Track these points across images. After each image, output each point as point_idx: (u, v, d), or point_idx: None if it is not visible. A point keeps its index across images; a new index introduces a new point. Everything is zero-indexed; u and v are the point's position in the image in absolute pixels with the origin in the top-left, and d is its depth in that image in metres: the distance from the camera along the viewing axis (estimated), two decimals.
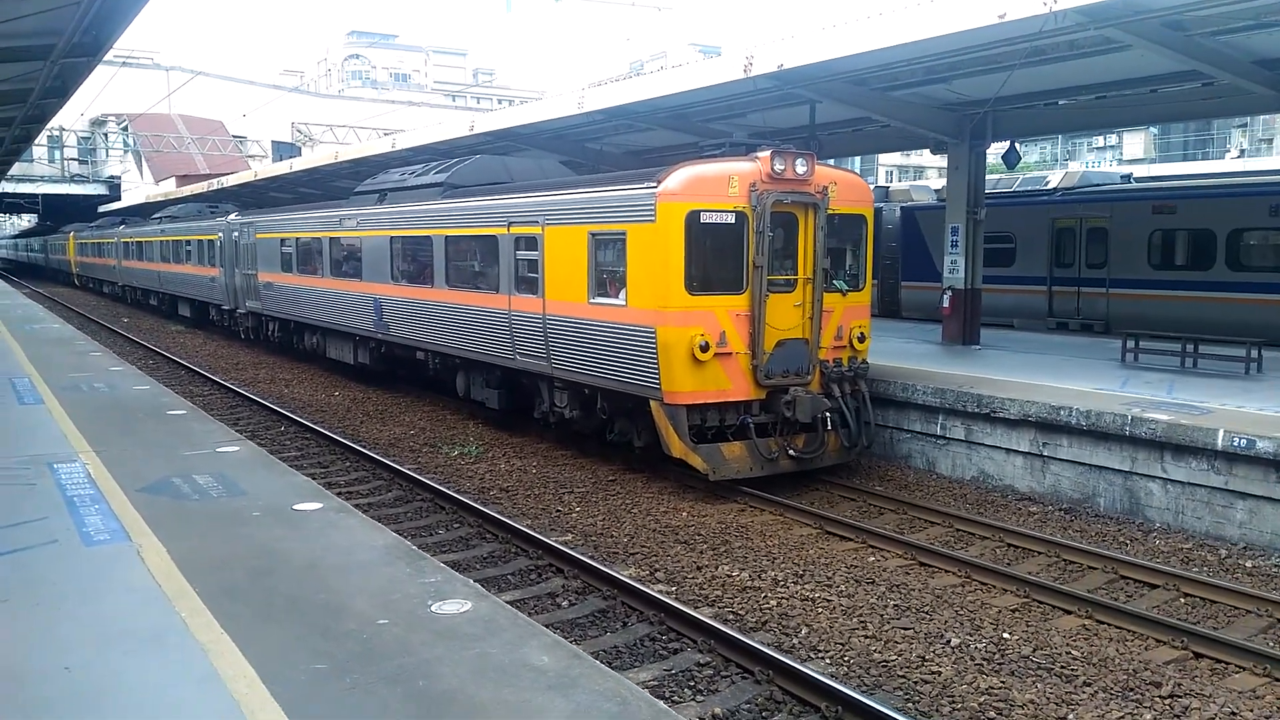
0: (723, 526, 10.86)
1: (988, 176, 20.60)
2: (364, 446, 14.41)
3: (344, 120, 49.14)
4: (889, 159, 60.78)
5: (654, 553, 9.92)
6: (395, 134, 25.72)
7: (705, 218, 11.71)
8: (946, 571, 9.48)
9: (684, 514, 11.35)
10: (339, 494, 11.73)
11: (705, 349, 11.59)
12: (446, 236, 16.44)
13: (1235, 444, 9.95)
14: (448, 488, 11.99)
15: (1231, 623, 8.25)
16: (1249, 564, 9.57)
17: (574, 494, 12.14)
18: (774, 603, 8.56)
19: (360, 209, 19.95)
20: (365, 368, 20.46)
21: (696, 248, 11.75)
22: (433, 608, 5.59)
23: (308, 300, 22.73)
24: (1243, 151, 48.50)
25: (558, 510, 11.46)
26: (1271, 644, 7.80)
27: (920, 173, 57.60)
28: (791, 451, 12.25)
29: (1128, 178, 25.62)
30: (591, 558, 9.49)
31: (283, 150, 47.03)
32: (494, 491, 12.27)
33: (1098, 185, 23.93)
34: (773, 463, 12.10)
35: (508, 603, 8.35)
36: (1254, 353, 14.24)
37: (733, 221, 11.85)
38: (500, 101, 62.36)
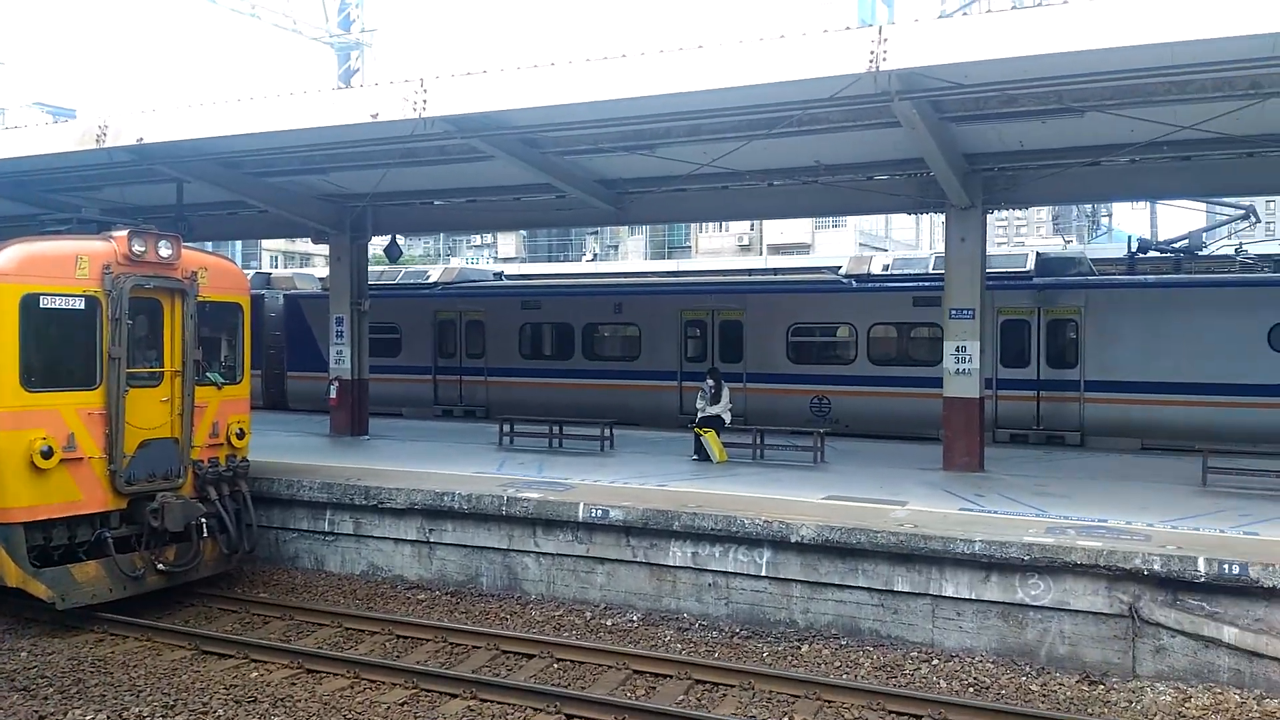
0: (75, 663, 9.17)
1: (372, 268, 21.03)
2: None
3: None
4: (273, 244, 59.33)
5: None
6: None
7: (46, 302, 10.14)
8: (335, 675, 9.03)
9: (24, 654, 9.43)
10: None
11: (48, 455, 9.88)
12: None
13: (593, 515, 11.07)
14: None
15: (597, 680, 8.99)
16: (609, 623, 10.62)
17: None
18: None
19: None
20: None
21: (36, 336, 10.11)
22: None
23: None
24: (595, 255, 56.45)
25: None
26: (628, 695, 8.64)
27: (307, 259, 57.14)
28: (161, 566, 10.86)
29: (500, 275, 28.11)
30: None
31: None
32: None
33: (475, 281, 25.85)
34: (137, 581, 10.60)
35: None
36: (606, 432, 16.20)
37: (82, 307, 10.41)
38: None
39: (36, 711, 7.99)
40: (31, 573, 9.77)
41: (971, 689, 8.69)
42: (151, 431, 10.95)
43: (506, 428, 16.87)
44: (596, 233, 60.22)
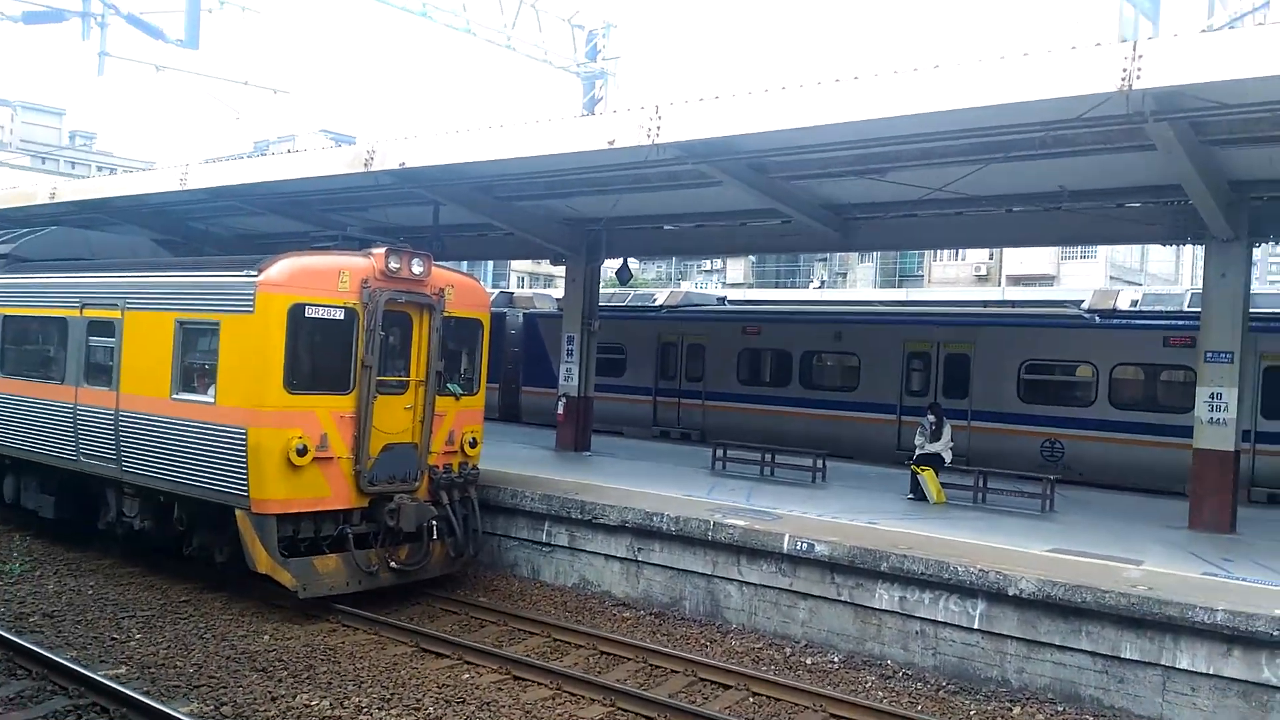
0: (309, 649, 10.02)
1: (604, 290, 21.78)
2: None
3: None
4: (521, 265, 62.62)
5: (224, 683, 8.88)
6: None
7: (311, 312, 11.09)
8: (539, 684, 9.38)
9: (266, 637, 10.36)
10: None
11: (303, 453, 10.82)
12: (5, 316, 14.27)
13: (798, 548, 10.92)
14: None
15: (793, 718, 8.86)
16: (809, 661, 10.43)
17: (136, 619, 10.67)
18: None
19: None
20: None
21: (299, 343, 11.08)
22: None
23: None
24: (822, 283, 55.71)
25: (113, 638, 9.98)
26: None
27: (550, 281, 59.90)
28: (394, 564, 11.68)
29: (723, 300, 28.32)
30: (146, 693, 8.29)
31: None
32: (35, 618, 10.49)
33: (698, 305, 26.17)
34: (372, 577, 11.45)
35: None
36: (819, 463, 15.94)
37: (341, 318, 11.32)
38: (100, 169, 56.54)
39: (270, 692, 8.73)
40: (280, 561, 10.74)
41: None
42: (394, 436, 11.79)
43: (719, 452, 16.95)
44: (825, 259, 59.31)
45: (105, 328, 12.58)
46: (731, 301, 28.27)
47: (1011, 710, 9.20)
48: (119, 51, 20.78)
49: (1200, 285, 13.94)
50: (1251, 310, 13.37)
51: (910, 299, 29.99)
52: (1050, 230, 15.58)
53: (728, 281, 60.71)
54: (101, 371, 12.59)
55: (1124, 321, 18.81)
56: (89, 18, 18.36)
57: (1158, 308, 18.97)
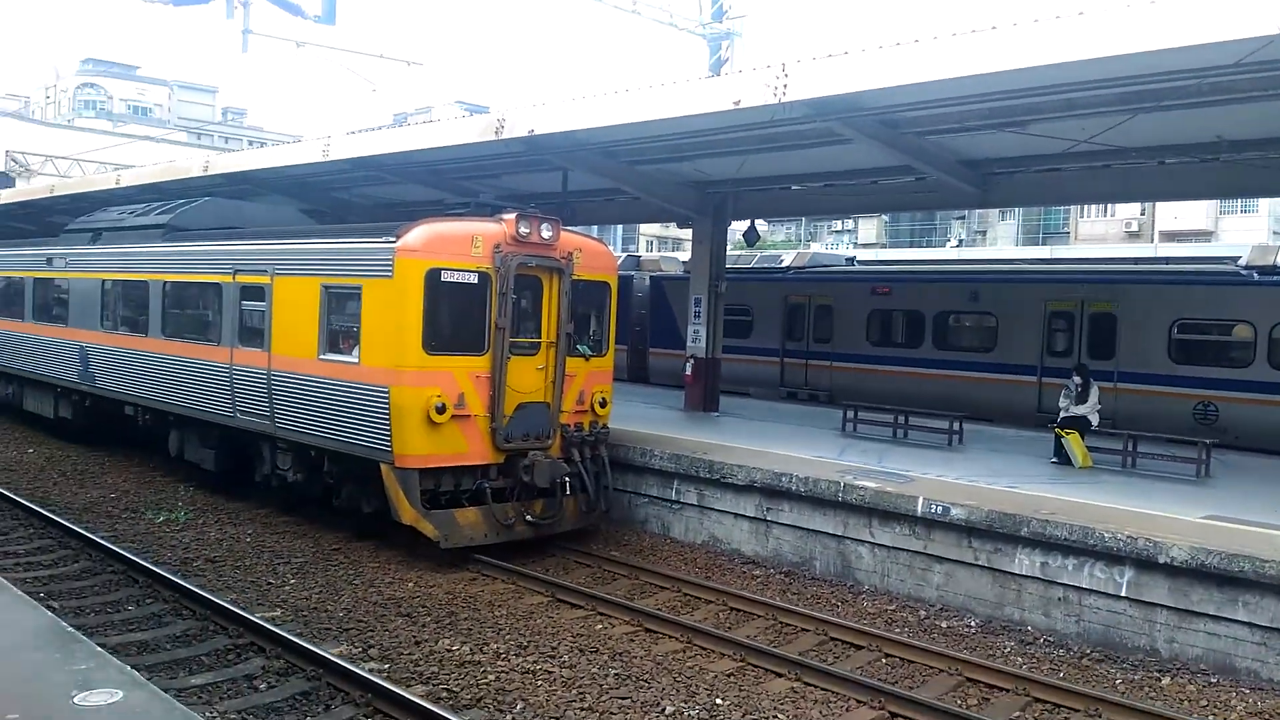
0: (450, 597, 10.43)
1: (731, 253, 21.65)
2: (53, 511, 12.87)
3: (72, 151, 45.07)
4: (650, 229, 62.87)
5: (371, 627, 9.36)
6: (122, 170, 23.77)
7: (447, 276, 11.43)
8: (670, 637, 9.52)
9: (410, 584, 10.83)
10: (15, 565, 10.45)
11: (442, 410, 11.22)
12: (165, 282, 15.23)
13: (933, 510, 10.70)
14: (143, 558, 10.85)
15: (926, 682, 8.73)
16: (944, 624, 10.24)
17: (290, 565, 11.33)
18: (493, 677, 8.24)
19: (71, 248, 18.18)
20: (67, 422, 18.45)
21: (436, 306, 11.44)
22: (76, 699, 4.88)
23: (4, 346, 20.36)
24: (960, 241, 53.89)
25: (269, 583, 10.63)
26: (958, 702, 8.31)
27: (678, 244, 59.93)
28: (529, 517, 12.03)
29: (852, 260, 27.71)
30: (299, 635, 8.81)
31: None
32: (198, 563, 11.25)
33: (826, 266, 25.70)
34: (509, 529, 11.82)
35: (197, 687, 7.63)
36: (955, 425, 15.53)
37: (475, 281, 11.64)
38: (250, 143, 59.41)
39: (414, 637, 9.15)
40: (423, 513, 11.20)
41: None
42: (527, 396, 12.10)
43: (850, 414, 16.70)
44: (963, 217, 57.34)
45: (256, 292, 13.26)
46: (861, 262, 27.70)
47: (1160, 680, 8.83)
48: (261, 29, 21.69)
49: None
50: None
51: (1049, 256, 28.74)
52: (1207, 182, 14.66)
53: (859, 242, 59.45)
54: (254, 334, 13.30)
55: None
56: None
57: None
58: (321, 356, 12.14)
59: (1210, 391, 17.37)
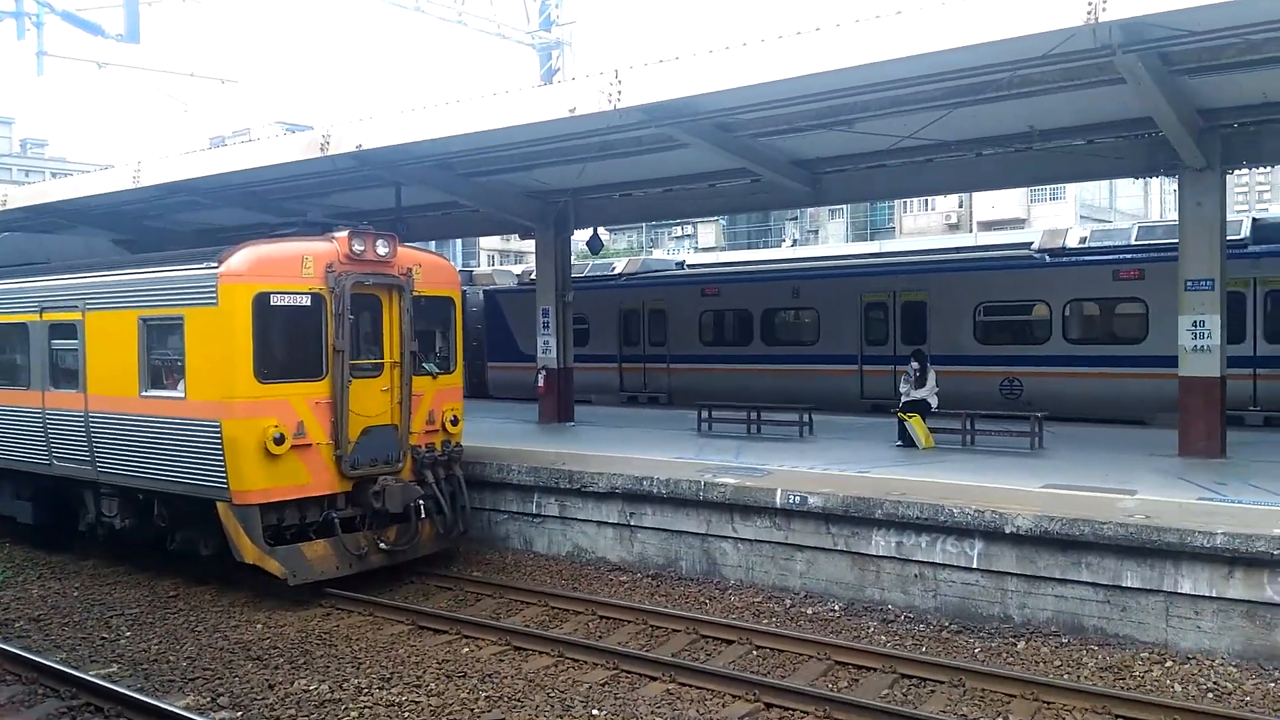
0: (303, 635, 9.87)
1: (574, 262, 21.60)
2: None
3: None
4: (490, 243, 62.18)
5: (219, 675, 8.72)
6: None
7: (276, 300, 10.87)
8: (540, 653, 9.29)
9: (259, 626, 10.20)
10: None
11: (280, 441, 10.63)
12: None
13: (791, 501, 10.85)
14: None
15: (797, 669, 8.81)
16: (809, 611, 10.39)
17: (124, 617, 10.49)
18: (355, 714, 7.81)
19: None
20: None
21: (267, 332, 10.87)
22: None
23: None
24: (794, 241, 55.60)
25: (102, 638, 9.80)
26: (829, 686, 8.40)
27: (520, 257, 59.51)
28: (383, 545, 11.54)
29: (682, 264, 28.53)
30: (139, 690, 8.12)
31: None
32: (20, 623, 10.31)
33: (657, 271, 26.28)
34: (362, 559, 11.31)
35: None
36: (805, 418, 15.88)
37: (308, 304, 11.11)
38: (54, 175, 55.64)
39: (267, 680, 8.59)
40: (267, 550, 10.57)
41: (1211, 694, 7.89)
42: (373, 419, 11.61)
43: (705, 414, 16.87)
44: (796, 218, 59.33)
45: (67, 330, 12.29)
46: (689, 265, 28.53)
47: (1016, 645, 9.18)
48: (58, 51, 20.22)
49: (1153, 218, 14.01)
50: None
51: (867, 252, 30.37)
52: (1021, 171, 15.50)
53: (699, 246, 60.57)
54: (68, 374, 12.31)
55: (1073, 259, 19.05)
56: (23, 17, 17.79)
57: (1106, 244, 19.13)
58: (144, 394, 11.33)
59: (1014, 368, 18.59)
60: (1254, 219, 18.65)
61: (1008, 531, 9.58)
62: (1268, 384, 16.59)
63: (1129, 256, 18.06)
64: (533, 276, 21.64)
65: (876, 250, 30.48)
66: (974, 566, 9.88)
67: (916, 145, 13.46)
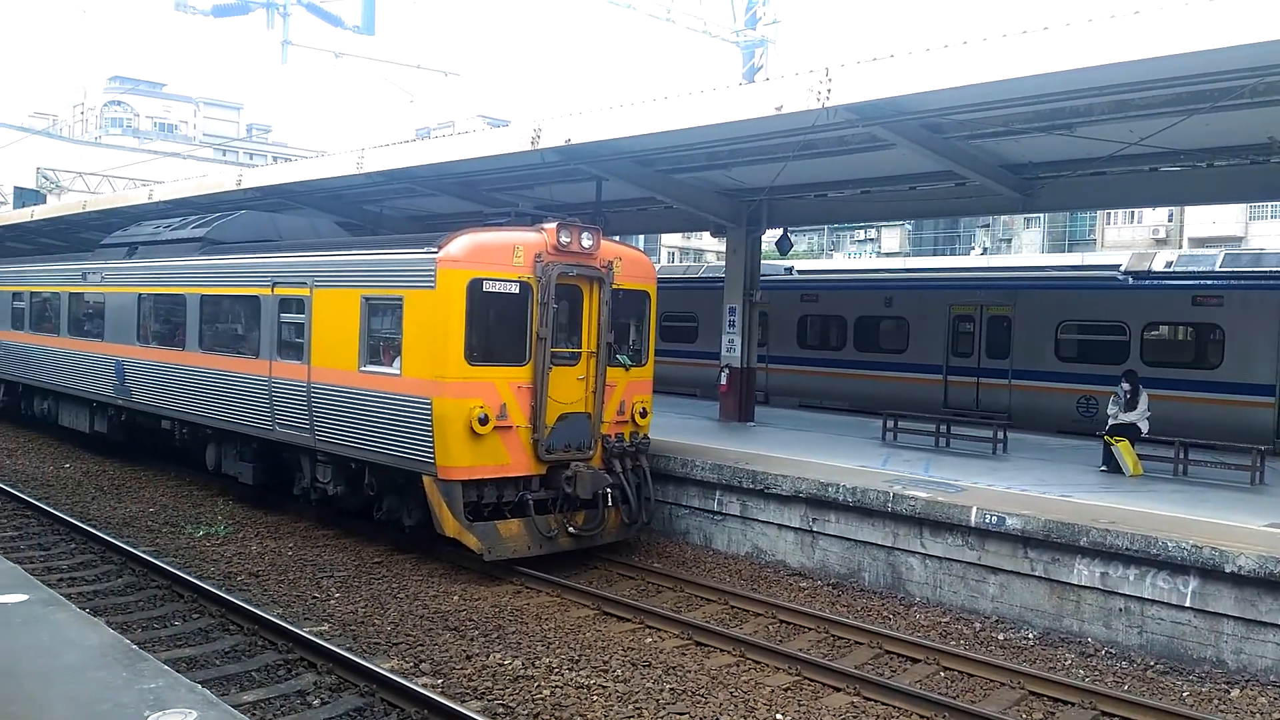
0: (497, 610, 10.30)
1: (676, 265, 22.01)
2: (93, 526, 12.85)
3: (100, 168, 45.50)
4: (671, 240, 62.81)
5: (420, 642, 9.23)
6: (154, 185, 23.89)
7: (488, 286, 11.32)
8: (722, 651, 9.35)
9: (455, 598, 10.71)
10: (59, 581, 10.38)
11: (484, 422, 11.10)
12: (203, 295, 15.22)
13: (987, 520, 10.48)
14: (186, 573, 10.78)
15: (988, 695, 8.52)
16: (1001, 637, 10.02)
17: (334, 579, 11.22)
18: (548, 692, 8.09)
19: (106, 263, 18.24)
20: (103, 437, 18.48)
21: (478, 317, 11.34)
22: (149, 719, 4.79)
23: (40, 361, 20.46)
24: (985, 249, 53.48)
25: (314, 597, 10.52)
26: (1023, 716, 8.09)
27: (700, 255, 59.81)
28: (571, 529, 11.89)
29: (790, 270, 28.90)
30: (349, 649, 8.69)
31: (26, 197, 42.85)
32: (241, 577, 11.16)
33: (765, 275, 26.45)
34: (552, 541, 11.68)
35: (250, 704, 7.52)
36: (999, 434, 15.29)
37: (517, 291, 11.53)
38: (275, 158, 59.90)
39: (464, 651, 9.01)
40: (466, 525, 11.06)
41: None
42: (569, 406, 11.96)
43: (890, 423, 16.51)
44: (987, 225, 57.01)
45: (296, 305, 13.22)
46: (799, 272, 28.98)
47: (1230, 693, 8.58)
48: (300, 40, 21.72)
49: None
50: None
51: (958, 265, 31.24)
52: (1254, 184, 14.42)
53: (882, 250, 59.16)
54: (293, 346, 13.25)
55: (1155, 283, 19.42)
56: (273, 8, 19.28)
57: (1190, 268, 19.43)
58: (362, 368, 12.07)
59: (1091, 386, 18.49)
60: None
61: (1228, 570, 8.96)
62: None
63: (1209, 283, 18.35)
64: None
65: (966, 264, 31.70)
66: (1186, 605, 9.29)
67: (1142, 153, 12.70)
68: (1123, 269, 20.63)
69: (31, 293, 21.34)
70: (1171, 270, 19.81)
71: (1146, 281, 19.43)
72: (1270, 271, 18.77)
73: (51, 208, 30.65)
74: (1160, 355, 18.31)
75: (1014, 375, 19.44)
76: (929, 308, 21.54)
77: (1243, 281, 18.56)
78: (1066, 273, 23.27)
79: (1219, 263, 19.38)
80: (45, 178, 42.38)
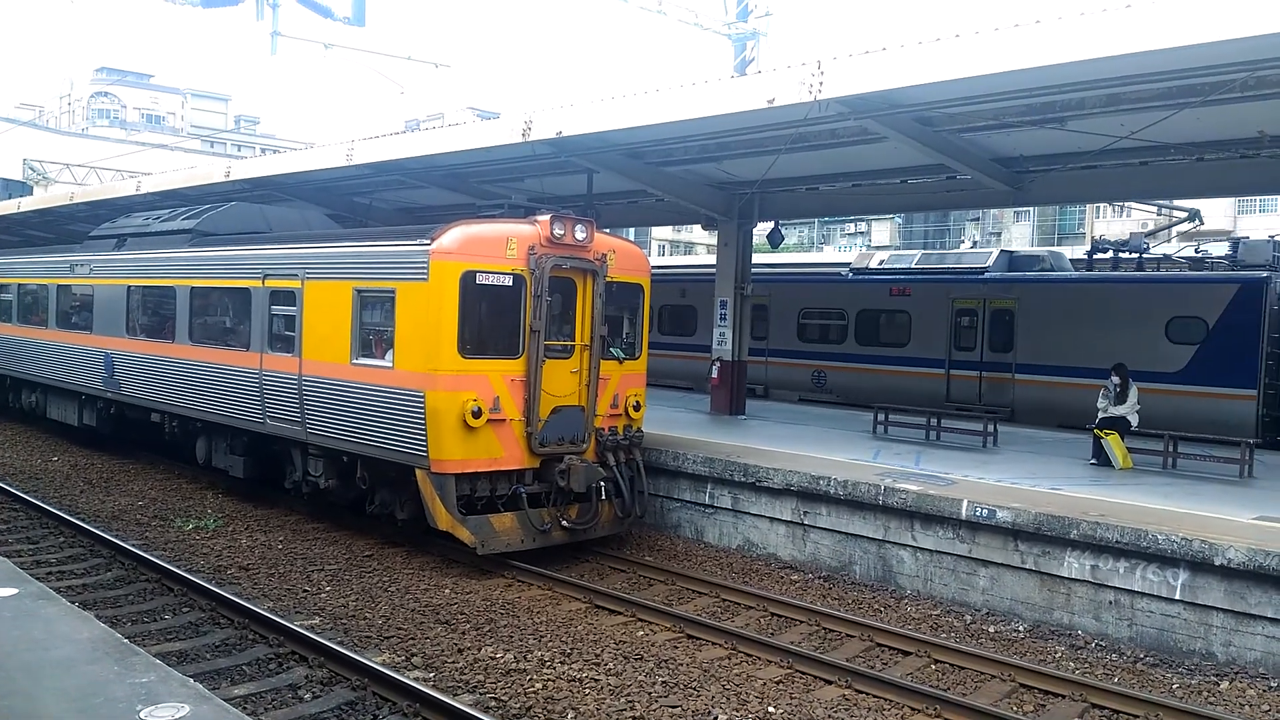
0: (488, 604, 10.29)
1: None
2: (81, 519, 12.79)
3: (88, 159, 45.22)
4: (661, 233, 62.73)
5: (412, 635, 9.22)
6: (141, 176, 23.76)
7: (482, 279, 11.29)
8: (714, 644, 9.37)
9: (447, 591, 10.70)
10: (48, 575, 10.34)
11: (478, 415, 11.08)
12: (192, 288, 15.15)
13: (978, 513, 10.51)
14: (176, 566, 10.74)
15: (979, 688, 8.56)
16: (991, 629, 10.06)
17: (324, 572, 11.19)
18: (539, 686, 8.09)
19: (94, 255, 18.14)
20: (92, 430, 18.39)
21: (471, 309, 11.31)
22: (141, 714, 4.77)
23: (28, 354, 20.34)
24: (974, 242, 53.59)
25: (305, 591, 10.50)
26: (1014, 709, 8.13)
27: (690, 248, 59.78)
28: (565, 522, 11.89)
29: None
30: (340, 643, 8.66)
31: (12, 189, 42.58)
32: (231, 570, 11.12)
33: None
34: (545, 534, 11.67)
35: (240, 698, 7.50)
36: (989, 428, 15.34)
37: (510, 284, 11.50)
38: (263, 150, 59.59)
39: (456, 644, 9.00)
40: (459, 519, 11.05)
41: None
42: (562, 399, 11.94)
43: (880, 416, 16.55)
44: (977, 219, 57.10)
45: (287, 297, 13.16)
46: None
47: (1219, 685, 8.64)
48: (289, 32, 21.62)
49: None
50: None
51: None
52: (1243, 178, 14.49)
53: (872, 243, 59.22)
54: (284, 339, 13.19)
55: (866, 278, 23.20)
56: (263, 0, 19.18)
57: (894, 266, 23.47)
58: (354, 361, 12.03)
59: (820, 362, 22.91)
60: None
61: (1217, 563, 9.01)
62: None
63: (901, 278, 22.08)
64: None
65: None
66: (1176, 598, 9.34)
67: (1133, 147, 12.73)
68: (850, 266, 24.64)
69: (19, 285, 21.22)
70: (881, 267, 23.95)
71: (862, 277, 23.59)
72: (938, 269, 22.78)
73: (38, 199, 30.43)
74: (870, 336, 22.52)
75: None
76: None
77: (923, 276, 22.52)
78: (807, 270, 28.01)
79: (915, 261, 23.36)
80: (32, 169, 42.08)
